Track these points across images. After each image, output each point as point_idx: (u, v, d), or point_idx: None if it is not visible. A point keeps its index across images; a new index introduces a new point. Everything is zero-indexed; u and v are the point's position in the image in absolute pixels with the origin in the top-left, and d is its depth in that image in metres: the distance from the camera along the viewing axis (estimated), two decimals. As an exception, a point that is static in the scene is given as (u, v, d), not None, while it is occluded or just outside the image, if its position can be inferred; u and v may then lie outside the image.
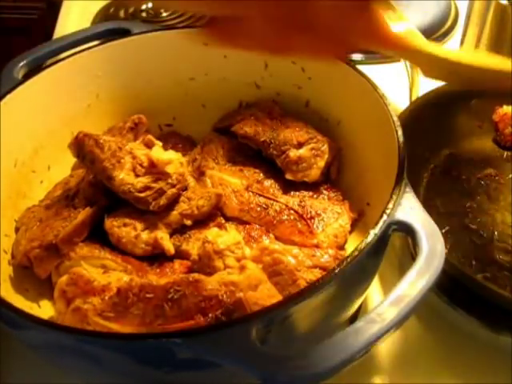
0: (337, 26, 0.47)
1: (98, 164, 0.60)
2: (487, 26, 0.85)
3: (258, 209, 0.62)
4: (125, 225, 0.59)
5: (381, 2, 0.51)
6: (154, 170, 0.59)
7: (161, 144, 0.62)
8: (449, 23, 1.05)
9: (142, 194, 0.58)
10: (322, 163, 0.65)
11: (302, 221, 0.61)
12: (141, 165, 0.59)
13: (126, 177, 0.58)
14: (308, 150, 0.65)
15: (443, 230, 0.66)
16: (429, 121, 0.74)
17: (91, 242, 0.59)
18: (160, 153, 0.60)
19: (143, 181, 0.58)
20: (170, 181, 0.59)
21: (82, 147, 0.61)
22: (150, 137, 0.63)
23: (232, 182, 0.65)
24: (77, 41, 0.71)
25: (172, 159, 0.60)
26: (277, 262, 0.55)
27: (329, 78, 0.67)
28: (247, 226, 0.61)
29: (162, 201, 0.59)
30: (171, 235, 0.60)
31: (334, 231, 0.61)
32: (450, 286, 0.61)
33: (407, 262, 0.66)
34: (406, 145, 0.53)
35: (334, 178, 0.68)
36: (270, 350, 0.38)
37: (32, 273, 0.58)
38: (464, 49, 0.90)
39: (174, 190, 0.59)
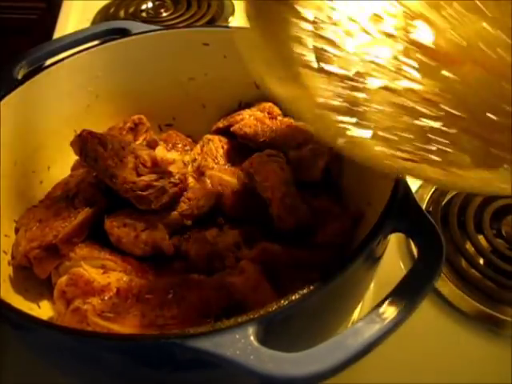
0: None
1: (100, 162, 0.59)
2: (487, 25, 0.85)
3: (258, 209, 0.62)
4: (125, 225, 0.59)
5: None
6: (157, 169, 0.59)
7: (164, 145, 0.62)
8: (449, 23, 1.05)
9: (145, 193, 0.58)
10: (321, 163, 0.65)
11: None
12: (143, 164, 0.59)
13: (128, 175, 0.58)
14: (308, 150, 0.65)
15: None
16: (429, 121, 0.74)
17: (91, 242, 0.59)
18: (164, 152, 0.60)
19: (145, 179, 0.58)
20: (172, 180, 0.59)
21: (85, 145, 0.61)
22: (154, 137, 0.63)
23: (232, 181, 0.64)
24: (77, 41, 0.71)
25: (176, 159, 0.60)
26: (275, 262, 0.55)
27: (329, 78, 0.66)
28: (247, 226, 0.61)
29: (164, 199, 0.58)
30: (171, 235, 0.60)
31: (334, 231, 0.61)
32: (450, 284, 0.61)
33: (407, 262, 0.66)
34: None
35: (334, 178, 0.68)
36: (270, 350, 0.38)
37: (32, 273, 0.58)
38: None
39: (175, 189, 0.59)
